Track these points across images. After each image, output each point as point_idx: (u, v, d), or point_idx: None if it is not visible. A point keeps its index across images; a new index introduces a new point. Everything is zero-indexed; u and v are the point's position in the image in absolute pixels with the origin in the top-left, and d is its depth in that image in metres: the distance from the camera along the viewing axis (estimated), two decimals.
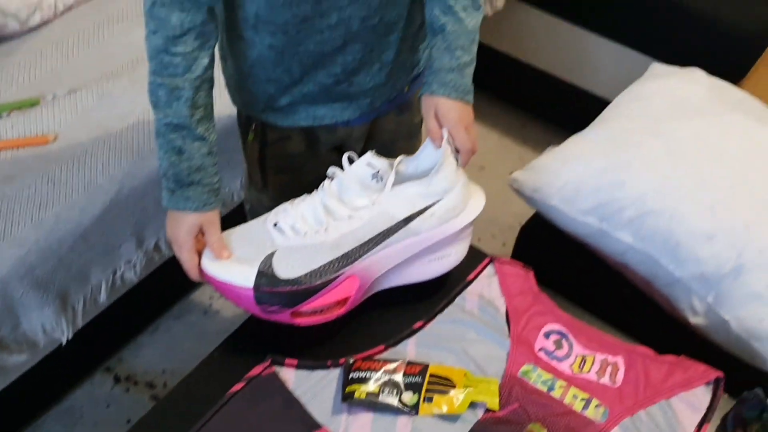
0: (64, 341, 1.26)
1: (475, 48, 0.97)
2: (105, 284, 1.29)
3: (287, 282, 0.85)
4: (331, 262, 0.86)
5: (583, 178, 1.21)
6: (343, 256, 0.87)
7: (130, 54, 1.42)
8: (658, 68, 1.49)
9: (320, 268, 0.86)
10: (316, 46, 0.95)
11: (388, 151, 1.11)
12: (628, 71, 1.71)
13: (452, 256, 0.96)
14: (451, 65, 0.95)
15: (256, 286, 0.85)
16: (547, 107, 2.11)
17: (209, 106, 0.91)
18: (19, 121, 1.30)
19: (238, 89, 1.06)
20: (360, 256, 0.88)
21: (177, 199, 0.90)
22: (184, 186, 0.89)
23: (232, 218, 1.48)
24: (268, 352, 0.88)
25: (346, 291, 0.88)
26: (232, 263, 0.87)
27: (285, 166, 1.14)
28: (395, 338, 0.92)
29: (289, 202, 0.92)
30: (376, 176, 0.89)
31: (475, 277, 1.01)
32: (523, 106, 2.17)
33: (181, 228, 0.89)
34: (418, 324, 0.94)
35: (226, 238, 0.89)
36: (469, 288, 0.99)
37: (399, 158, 0.93)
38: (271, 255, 0.86)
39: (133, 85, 1.36)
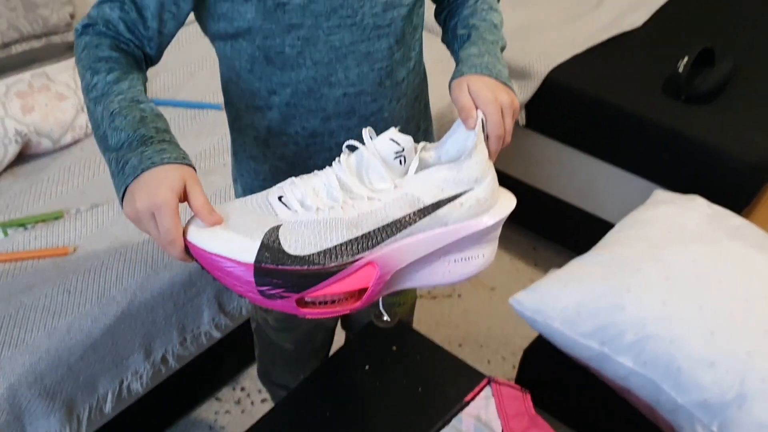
0: None
1: (503, 40, 0.96)
2: (111, 394, 1.30)
3: (296, 259, 0.71)
4: (349, 242, 0.74)
5: (584, 301, 1.23)
6: (362, 236, 0.74)
7: None
8: (660, 195, 1.54)
9: (335, 247, 0.73)
10: (324, 162, 1.00)
11: None
12: (634, 197, 1.76)
13: (479, 259, 0.84)
14: (480, 51, 0.91)
15: (258, 262, 0.70)
16: (557, 230, 2.15)
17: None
18: (42, 233, 1.36)
19: None
20: (382, 240, 0.75)
21: (150, 155, 0.74)
22: (154, 143, 0.75)
23: (241, 334, 1.51)
24: None
25: (364, 280, 0.76)
26: (229, 233, 0.71)
27: None
28: None
29: (298, 177, 0.79)
30: (400, 155, 0.78)
31: (473, 398, 1.01)
32: (534, 228, 2.21)
33: (161, 185, 0.71)
34: None
35: (218, 210, 0.74)
36: (466, 409, 1.00)
37: (422, 144, 0.83)
38: (277, 228, 0.72)
39: None
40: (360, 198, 0.76)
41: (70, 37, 1.67)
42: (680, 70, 1.79)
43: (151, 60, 0.90)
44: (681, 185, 1.73)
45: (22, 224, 1.37)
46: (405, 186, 0.77)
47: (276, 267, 0.70)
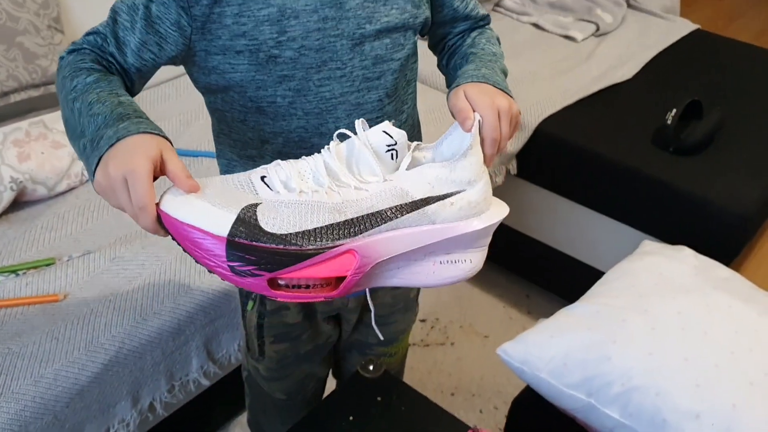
0: None
1: (502, 64, 0.97)
2: None
3: (272, 237, 0.69)
4: (330, 226, 0.72)
5: (571, 352, 1.23)
6: (345, 222, 0.72)
7: None
8: (648, 245, 1.55)
9: (315, 230, 0.71)
10: None
11: (383, 323, 1.15)
12: (625, 246, 1.77)
13: (466, 264, 0.82)
14: (477, 66, 0.92)
15: (231, 235, 0.68)
16: (549, 278, 2.16)
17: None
18: (33, 280, 1.37)
19: None
20: (365, 229, 0.73)
21: (126, 126, 0.73)
22: (131, 118, 0.75)
23: (230, 382, 1.51)
24: None
25: (342, 268, 0.73)
26: (204, 203, 0.69)
27: (282, 336, 1.16)
28: None
29: (285, 161, 0.77)
30: (392, 149, 0.76)
31: None
32: (527, 276, 2.22)
33: (137, 151, 0.70)
34: None
35: (197, 181, 0.72)
36: None
37: (416, 143, 0.82)
38: (255, 205, 0.71)
39: (144, 249, 1.44)
40: (346, 186, 0.74)
41: None
42: (669, 122, 1.82)
43: (131, 90, 0.89)
44: (671, 235, 1.74)
45: (13, 271, 1.38)
46: (394, 180, 0.75)
47: (250, 242, 0.68)
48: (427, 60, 1.14)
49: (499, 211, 0.83)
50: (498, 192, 1.89)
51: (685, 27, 2.46)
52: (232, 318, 1.41)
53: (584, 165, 1.90)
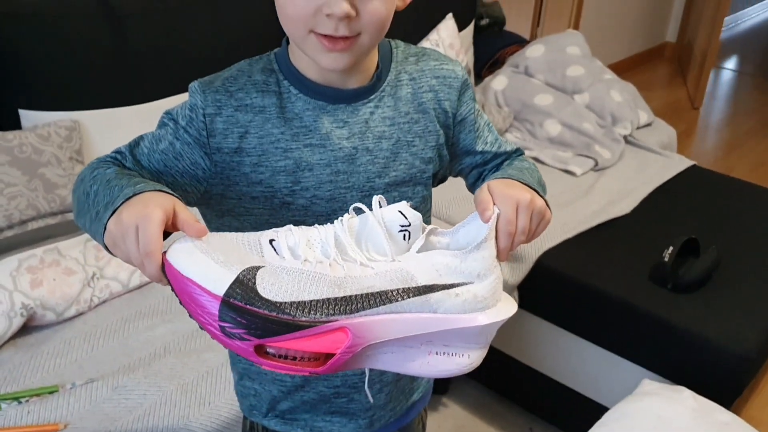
0: None
1: (538, 174, 0.97)
2: None
3: (267, 304, 0.69)
4: (327, 300, 0.70)
5: None
6: (343, 298, 0.71)
7: (149, 349, 1.54)
8: (647, 385, 1.55)
9: (311, 302, 0.70)
10: None
11: None
12: (627, 381, 1.78)
13: (463, 358, 0.79)
14: (504, 172, 0.94)
15: (227, 296, 0.68)
16: (552, 411, 2.14)
17: None
18: (35, 408, 1.38)
19: (244, 395, 1.12)
20: (362, 308, 0.71)
21: (143, 186, 0.76)
22: (148, 183, 0.78)
23: None
24: None
25: (333, 345, 0.71)
26: (207, 260, 0.69)
27: None
28: None
29: (297, 226, 0.77)
30: (405, 230, 0.75)
31: None
32: (530, 408, 2.19)
33: (152, 202, 0.72)
34: None
35: (208, 238, 0.73)
36: None
37: (431, 226, 0.80)
38: (257, 267, 0.70)
39: (147, 378, 1.45)
40: (352, 261, 0.73)
41: None
42: (666, 259, 1.86)
43: None
44: (672, 372, 1.75)
45: (16, 398, 1.40)
46: (402, 261, 0.74)
47: (244, 305, 0.68)
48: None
49: (505, 309, 0.79)
50: (504, 324, 1.89)
51: (681, 163, 2.54)
52: None
53: (584, 299, 1.92)
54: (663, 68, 5.11)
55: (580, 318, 1.96)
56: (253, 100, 0.90)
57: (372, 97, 0.94)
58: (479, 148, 1.04)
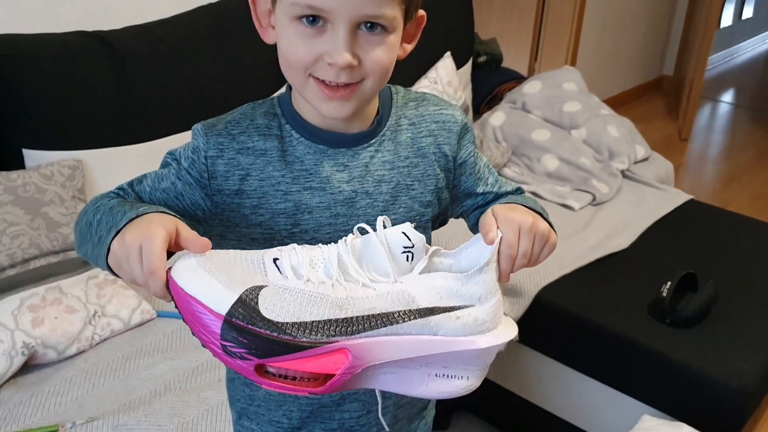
0: None
1: (539, 206, 0.96)
2: None
3: (268, 324, 0.70)
4: (328, 321, 0.72)
5: None
6: (344, 320, 0.72)
7: (150, 387, 1.54)
8: (647, 421, 1.56)
9: (313, 323, 0.71)
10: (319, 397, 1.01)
11: None
12: (626, 416, 1.78)
13: (462, 381, 0.80)
14: (509, 199, 0.95)
15: (230, 315, 0.69)
16: None
17: None
18: None
19: None
20: (363, 330, 0.73)
21: (146, 209, 0.78)
22: (148, 206, 0.80)
23: None
24: None
25: (333, 365, 0.72)
26: (211, 279, 0.71)
27: None
28: None
29: (301, 245, 0.78)
30: (408, 251, 0.76)
31: None
32: None
33: (154, 222, 0.74)
34: None
35: (212, 255, 0.74)
36: None
37: (435, 247, 0.81)
38: (260, 287, 0.72)
39: (147, 416, 1.45)
40: (354, 282, 0.74)
41: None
42: (664, 294, 1.87)
43: None
44: (671, 408, 1.75)
45: None
46: (404, 283, 0.75)
47: (245, 325, 0.69)
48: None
49: (505, 333, 0.80)
50: (500, 357, 1.90)
51: (679, 197, 2.56)
52: None
53: (583, 334, 1.93)
54: (659, 101, 5.16)
55: (580, 353, 1.96)
56: (255, 144, 0.92)
57: (372, 141, 0.95)
58: (480, 189, 1.05)
